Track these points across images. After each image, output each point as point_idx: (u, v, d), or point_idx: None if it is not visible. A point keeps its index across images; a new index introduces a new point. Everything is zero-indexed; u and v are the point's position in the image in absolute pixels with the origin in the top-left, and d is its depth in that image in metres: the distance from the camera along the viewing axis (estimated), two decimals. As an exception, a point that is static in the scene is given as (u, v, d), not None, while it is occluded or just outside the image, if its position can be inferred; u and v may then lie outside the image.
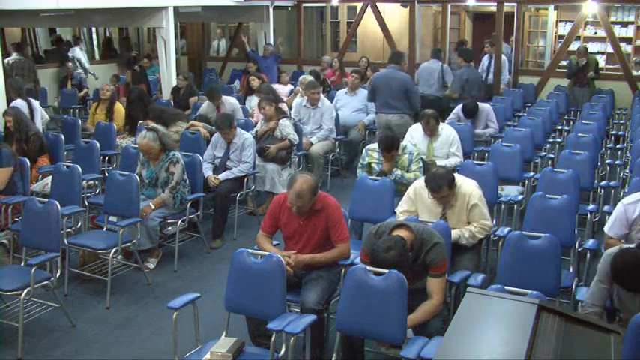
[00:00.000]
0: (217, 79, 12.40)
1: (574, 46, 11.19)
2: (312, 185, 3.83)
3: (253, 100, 8.29)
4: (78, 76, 11.14)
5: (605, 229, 4.12)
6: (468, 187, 4.41)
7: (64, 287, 4.92)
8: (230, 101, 7.92)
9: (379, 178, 5.22)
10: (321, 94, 7.63)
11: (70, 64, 11.19)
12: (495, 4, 10.28)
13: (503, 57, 10.43)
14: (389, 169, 5.43)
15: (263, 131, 6.67)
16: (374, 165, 5.58)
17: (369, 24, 12.45)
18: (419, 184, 4.58)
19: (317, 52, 14.80)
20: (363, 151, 5.76)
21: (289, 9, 12.42)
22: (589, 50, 10.00)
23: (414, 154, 5.54)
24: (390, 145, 5.39)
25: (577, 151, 6.10)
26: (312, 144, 7.27)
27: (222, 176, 6.03)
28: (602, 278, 3.41)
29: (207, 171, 6.08)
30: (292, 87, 9.98)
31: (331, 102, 8.05)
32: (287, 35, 13.81)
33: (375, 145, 5.62)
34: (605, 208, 5.40)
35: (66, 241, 4.89)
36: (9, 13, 7.98)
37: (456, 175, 4.48)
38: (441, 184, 4.24)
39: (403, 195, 4.71)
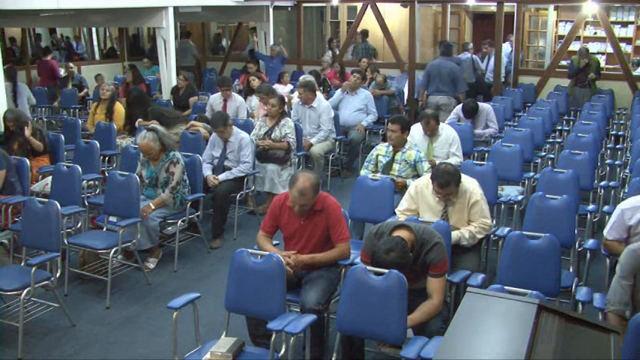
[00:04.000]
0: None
1: (574, 46, 11.19)
2: (314, 183, 3.83)
3: (254, 101, 8.30)
4: (78, 76, 11.14)
5: (605, 232, 4.11)
6: (469, 184, 4.43)
7: (64, 287, 4.92)
8: (237, 98, 8.07)
9: (379, 178, 5.23)
10: (319, 94, 7.63)
11: (71, 64, 11.19)
12: (495, 4, 10.27)
13: (505, 57, 10.48)
14: (398, 144, 5.58)
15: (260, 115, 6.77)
16: (381, 157, 5.64)
17: (369, 24, 12.44)
18: (420, 182, 4.60)
19: (317, 52, 14.79)
20: (373, 148, 5.86)
21: (289, 9, 12.42)
22: (590, 51, 9.98)
23: (421, 152, 5.63)
24: (398, 119, 5.61)
25: (577, 151, 6.10)
26: (311, 145, 7.29)
27: (222, 177, 6.03)
28: (624, 274, 3.32)
29: (207, 170, 6.09)
30: (292, 87, 9.99)
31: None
32: (287, 35, 13.81)
33: (385, 143, 5.78)
34: (605, 208, 5.40)
35: (66, 241, 4.90)
36: (9, 13, 7.98)
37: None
38: (449, 180, 4.25)
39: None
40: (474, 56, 10.25)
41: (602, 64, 12.32)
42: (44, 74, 11.24)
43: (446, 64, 8.67)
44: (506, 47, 11.03)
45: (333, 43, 13.22)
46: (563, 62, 10.88)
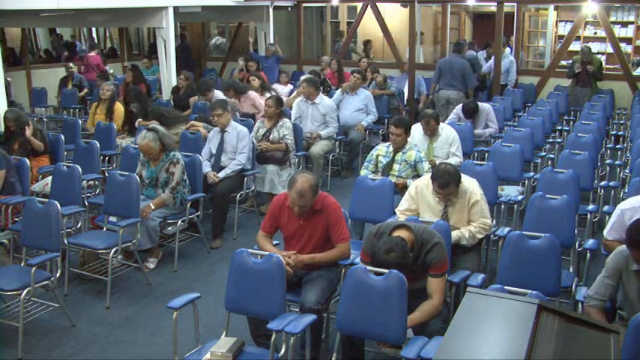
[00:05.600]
0: (218, 78, 12.41)
1: (574, 46, 11.19)
2: (313, 184, 3.83)
3: (253, 100, 8.29)
4: (78, 76, 11.15)
5: (605, 232, 4.11)
6: (469, 184, 4.43)
7: (64, 287, 4.92)
8: (220, 96, 7.97)
9: (379, 178, 5.24)
10: (320, 93, 7.65)
11: (71, 64, 11.21)
12: (495, 4, 10.27)
13: (512, 58, 10.50)
14: (398, 146, 5.57)
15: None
16: (381, 158, 5.65)
17: (369, 24, 12.44)
18: (420, 182, 4.60)
19: (317, 52, 14.80)
20: (373, 148, 5.86)
21: (289, 9, 12.42)
22: (592, 50, 9.95)
23: (421, 152, 5.64)
24: (401, 122, 5.59)
25: (577, 151, 6.10)
26: (320, 136, 7.33)
27: (222, 174, 6.03)
28: (608, 274, 3.42)
29: (206, 167, 6.09)
30: (292, 87, 9.99)
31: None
32: (287, 35, 13.82)
33: (385, 143, 5.78)
34: (605, 208, 5.40)
35: (66, 241, 4.90)
36: (9, 13, 7.99)
37: (458, 173, 4.50)
38: (449, 180, 4.26)
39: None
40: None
41: (603, 63, 12.33)
42: (90, 69, 11.60)
43: (457, 60, 9.05)
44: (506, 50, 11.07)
45: (368, 45, 13.15)
46: (563, 62, 10.87)
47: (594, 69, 9.46)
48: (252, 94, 8.03)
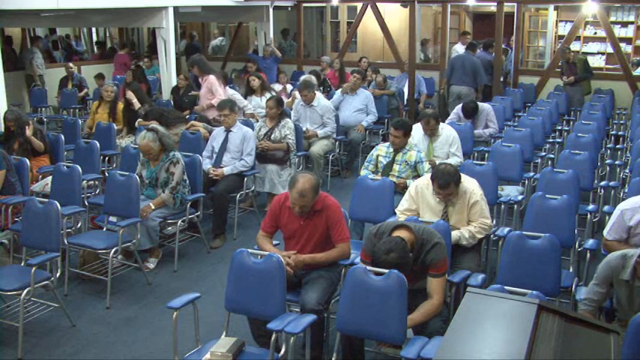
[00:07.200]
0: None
1: (574, 46, 11.18)
2: (314, 184, 3.83)
3: (254, 100, 8.30)
4: (78, 76, 11.15)
5: (605, 232, 4.12)
6: (469, 185, 4.43)
7: (64, 287, 4.92)
8: (228, 92, 7.98)
9: (379, 178, 5.24)
10: (318, 93, 7.65)
11: (71, 64, 11.21)
12: (495, 4, 10.28)
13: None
14: (398, 147, 5.58)
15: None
16: (381, 158, 5.66)
17: (369, 24, 12.44)
18: (420, 183, 4.60)
19: (317, 52, 14.79)
20: (373, 148, 5.86)
21: (289, 9, 12.42)
22: (569, 50, 9.91)
23: (421, 153, 5.65)
24: (402, 125, 5.58)
25: (577, 151, 6.10)
26: (317, 136, 7.35)
27: (227, 170, 6.04)
28: (598, 282, 3.46)
29: (207, 165, 6.10)
30: (292, 87, 9.99)
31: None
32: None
33: (385, 143, 5.79)
34: (605, 208, 5.40)
35: (66, 241, 4.90)
36: (9, 13, 7.99)
37: (459, 173, 4.50)
38: (449, 180, 4.26)
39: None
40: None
41: (602, 64, 12.34)
42: (118, 66, 12.10)
43: (470, 58, 9.59)
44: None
45: (426, 46, 13.01)
46: (563, 62, 10.87)
47: (578, 65, 9.46)
48: (211, 78, 7.84)
